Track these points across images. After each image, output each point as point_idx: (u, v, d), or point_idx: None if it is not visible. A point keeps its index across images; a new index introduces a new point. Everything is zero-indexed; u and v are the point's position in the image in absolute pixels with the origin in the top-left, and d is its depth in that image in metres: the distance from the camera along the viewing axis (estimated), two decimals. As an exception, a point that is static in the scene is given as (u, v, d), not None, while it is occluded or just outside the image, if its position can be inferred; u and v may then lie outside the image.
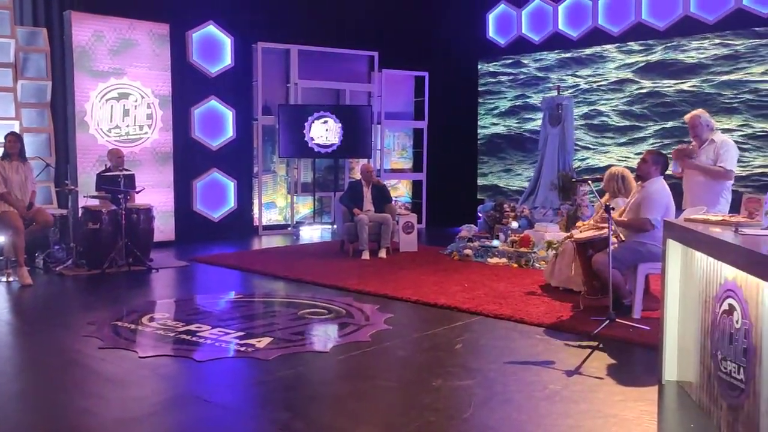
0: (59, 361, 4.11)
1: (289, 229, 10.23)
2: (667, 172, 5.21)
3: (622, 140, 9.38)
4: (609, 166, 6.48)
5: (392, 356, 4.23)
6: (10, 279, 6.34)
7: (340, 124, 10.02)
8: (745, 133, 8.17)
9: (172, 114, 8.79)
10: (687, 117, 5.56)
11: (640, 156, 5.21)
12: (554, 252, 6.11)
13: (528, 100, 10.45)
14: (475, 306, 5.32)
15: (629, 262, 4.95)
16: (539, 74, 10.30)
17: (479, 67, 10.96)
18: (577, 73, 9.84)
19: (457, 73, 10.99)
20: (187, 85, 9.20)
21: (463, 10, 10.79)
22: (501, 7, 10.54)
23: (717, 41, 8.49)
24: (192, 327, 4.75)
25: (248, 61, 9.92)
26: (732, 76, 8.35)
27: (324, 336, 4.67)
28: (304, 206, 10.69)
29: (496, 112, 10.84)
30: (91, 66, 8.04)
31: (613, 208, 4.84)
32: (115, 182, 6.97)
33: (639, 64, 9.22)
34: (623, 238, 5.04)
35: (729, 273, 2.85)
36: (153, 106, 8.58)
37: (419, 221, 10.06)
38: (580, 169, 9.45)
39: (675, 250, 3.58)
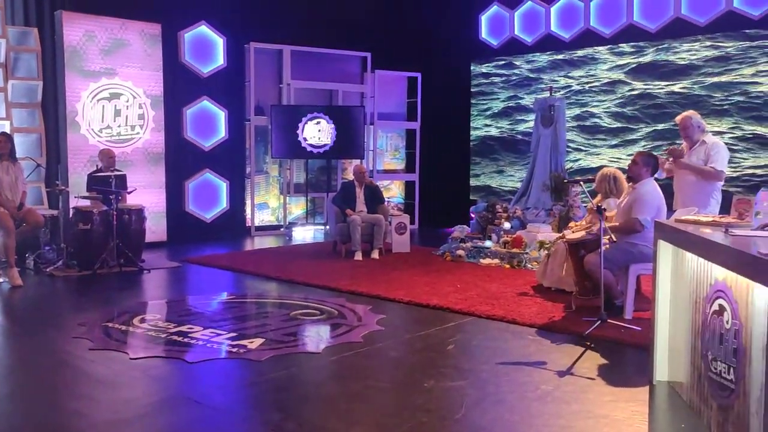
0: (49, 362, 4.09)
1: (282, 229, 10.22)
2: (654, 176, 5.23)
3: (614, 142, 9.42)
4: (601, 167, 6.50)
5: (384, 357, 4.23)
6: (1, 280, 6.30)
7: (332, 125, 10.01)
8: (735, 135, 8.22)
9: (164, 114, 8.76)
10: (678, 118, 5.58)
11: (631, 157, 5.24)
12: (546, 252, 6.12)
13: (520, 101, 10.48)
14: (467, 307, 5.32)
15: (621, 262, 4.97)
16: (531, 75, 10.33)
17: (472, 68, 10.98)
18: (569, 75, 9.87)
19: (450, 74, 11.00)
20: (179, 86, 9.17)
21: (456, 11, 10.80)
22: (494, 9, 10.56)
23: (708, 43, 8.54)
24: (183, 328, 4.73)
25: (240, 62, 9.90)
26: (723, 78, 8.40)
27: (316, 337, 4.66)
28: (297, 207, 10.67)
29: (488, 113, 10.86)
30: (82, 66, 8.00)
31: (604, 209, 4.86)
32: (107, 183, 6.94)
33: (630, 65, 9.26)
34: (615, 239, 5.07)
35: (719, 274, 2.86)
36: (145, 107, 8.55)
37: (412, 222, 10.06)
38: (572, 170, 9.48)
39: (666, 250, 3.60)
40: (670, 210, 5.14)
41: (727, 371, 2.76)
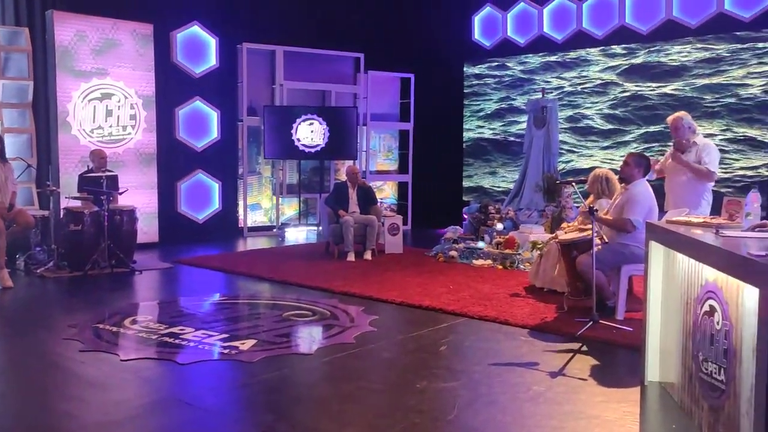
0: (40, 364, 4.06)
1: (275, 230, 10.19)
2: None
3: (606, 143, 9.46)
4: (593, 168, 6.52)
5: (377, 358, 4.23)
6: (-10, 281, 6.25)
7: (325, 126, 10.00)
8: (726, 137, 8.27)
9: (156, 115, 8.72)
10: (669, 119, 5.61)
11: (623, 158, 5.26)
12: (539, 253, 6.13)
13: (513, 102, 10.50)
14: (459, 308, 5.33)
15: (612, 263, 4.99)
16: (524, 76, 10.35)
17: (465, 69, 11.00)
18: (561, 76, 9.90)
19: (443, 75, 11.01)
20: (171, 86, 9.14)
21: (449, 12, 10.82)
22: (486, 10, 10.59)
23: (699, 45, 8.58)
24: (175, 329, 4.71)
25: (233, 62, 9.87)
26: (713, 80, 8.44)
27: (309, 338, 4.66)
28: (290, 208, 10.65)
29: (481, 114, 10.88)
30: (73, 66, 7.96)
31: (596, 210, 4.88)
32: (98, 183, 6.90)
33: (622, 66, 9.30)
34: (607, 240, 5.09)
35: (710, 275, 2.87)
36: (136, 107, 8.52)
37: (404, 223, 10.05)
38: (565, 171, 9.51)
39: (657, 251, 3.61)
40: (662, 211, 5.16)
41: (718, 372, 2.77)
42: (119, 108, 8.38)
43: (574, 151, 9.73)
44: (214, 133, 9.61)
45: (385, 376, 3.93)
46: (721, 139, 8.16)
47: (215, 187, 9.69)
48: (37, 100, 8.11)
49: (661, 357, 3.62)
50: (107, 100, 8.27)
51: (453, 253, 7.61)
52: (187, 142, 9.39)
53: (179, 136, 9.32)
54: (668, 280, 3.55)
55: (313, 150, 10.01)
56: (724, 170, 7.88)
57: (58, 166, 7.87)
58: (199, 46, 9.43)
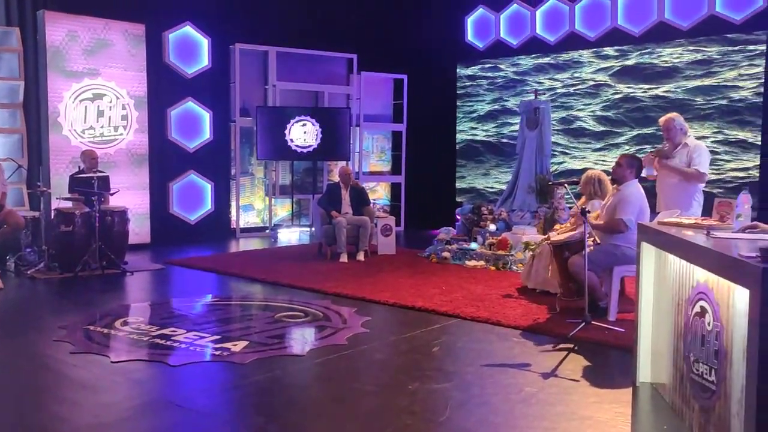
0: (30, 365, 4.03)
1: (267, 231, 10.17)
2: (641, 175, 5.27)
3: (599, 145, 9.48)
4: (586, 170, 6.54)
5: (369, 359, 4.22)
6: (-20, 282, 6.21)
7: (318, 127, 9.98)
8: (717, 139, 8.31)
9: (147, 115, 8.69)
10: (661, 120, 5.63)
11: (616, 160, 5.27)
12: (531, 254, 6.14)
13: (506, 103, 10.52)
14: (452, 309, 5.33)
15: (605, 264, 5.00)
16: (516, 78, 10.37)
17: (458, 70, 11.01)
18: (554, 77, 9.92)
19: (436, 76, 11.02)
20: (164, 86, 9.10)
21: (442, 13, 10.82)
22: (479, 11, 10.60)
23: (691, 47, 8.62)
24: (166, 331, 4.69)
25: (226, 63, 9.85)
26: (705, 82, 8.48)
27: (301, 339, 4.65)
28: (282, 209, 10.63)
29: (474, 115, 10.89)
30: (64, 66, 7.92)
31: (588, 211, 4.89)
32: (89, 184, 6.86)
33: (614, 68, 9.33)
34: (599, 241, 5.10)
35: (701, 276, 2.88)
36: (128, 107, 8.48)
37: (397, 224, 10.06)
38: (557, 172, 9.53)
39: (649, 252, 3.62)
40: (654, 212, 5.18)
41: (709, 373, 2.78)
42: (111, 108, 8.34)
43: (566, 153, 9.75)
44: (207, 134, 9.58)
45: (378, 377, 3.92)
46: (712, 141, 8.20)
47: (207, 187, 9.66)
48: (28, 101, 8.06)
49: (652, 358, 3.63)
50: (99, 101, 8.23)
51: (446, 254, 7.61)
52: (180, 142, 9.36)
53: (171, 137, 9.28)
54: (660, 282, 3.56)
55: (305, 151, 10.00)
56: (715, 172, 7.92)
57: (48, 167, 7.83)
58: (192, 46, 9.40)
